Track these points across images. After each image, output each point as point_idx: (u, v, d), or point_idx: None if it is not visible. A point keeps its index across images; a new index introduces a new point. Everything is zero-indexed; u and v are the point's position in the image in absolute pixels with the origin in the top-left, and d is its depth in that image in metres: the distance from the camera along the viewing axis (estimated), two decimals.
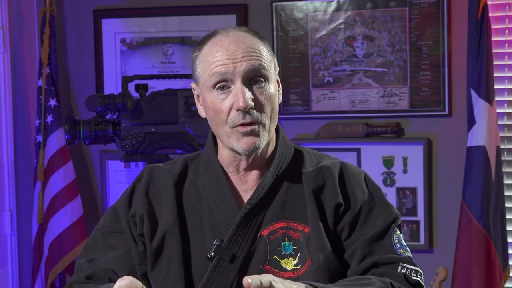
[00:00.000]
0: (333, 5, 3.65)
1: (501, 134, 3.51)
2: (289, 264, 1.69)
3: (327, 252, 1.68)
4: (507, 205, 3.47)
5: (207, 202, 1.75)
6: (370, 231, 1.71)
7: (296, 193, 1.74)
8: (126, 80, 3.21)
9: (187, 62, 3.84)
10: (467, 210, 3.34)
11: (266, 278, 1.47)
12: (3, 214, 3.87)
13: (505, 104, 3.54)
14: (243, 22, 3.74)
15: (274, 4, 3.72)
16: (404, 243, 1.74)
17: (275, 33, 3.72)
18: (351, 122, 3.66)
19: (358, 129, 3.63)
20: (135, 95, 3.24)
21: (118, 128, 3.17)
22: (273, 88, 1.72)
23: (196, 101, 1.79)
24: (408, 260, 1.70)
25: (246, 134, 1.67)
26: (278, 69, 1.77)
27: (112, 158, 3.92)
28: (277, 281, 1.49)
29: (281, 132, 1.80)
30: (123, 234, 1.79)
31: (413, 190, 3.60)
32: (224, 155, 1.76)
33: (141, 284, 1.52)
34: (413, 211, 3.59)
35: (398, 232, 1.74)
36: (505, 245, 3.38)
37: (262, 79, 1.69)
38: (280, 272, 1.68)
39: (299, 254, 1.69)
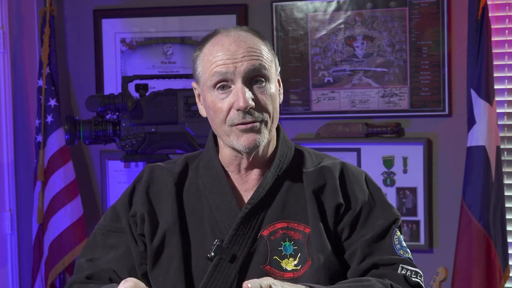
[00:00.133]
0: (333, 5, 3.65)
1: (501, 134, 3.51)
2: (289, 264, 1.69)
3: (327, 253, 1.68)
4: (507, 205, 3.47)
5: (208, 202, 1.75)
6: (371, 232, 1.71)
7: (296, 193, 1.74)
8: (126, 80, 3.21)
9: (187, 62, 3.84)
10: (467, 210, 3.34)
11: (266, 282, 1.47)
12: (3, 214, 3.87)
13: (505, 104, 3.54)
14: (243, 22, 3.74)
15: (274, 4, 3.72)
16: (404, 244, 1.73)
17: (275, 33, 3.72)
18: (351, 122, 3.66)
19: (358, 129, 3.63)
20: (135, 95, 3.24)
21: (118, 128, 3.17)
22: (274, 87, 1.72)
23: (197, 100, 1.79)
24: (408, 261, 1.70)
25: (246, 131, 1.67)
26: (279, 69, 1.77)
27: (112, 158, 3.92)
28: (277, 284, 1.49)
29: (282, 132, 1.80)
30: (123, 233, 1.78)
31: (413, 190, 3.60)
32: (225, 155, 1.76)
33: (144, 285, 1.52)
34: (413, 211, 3.59)
35: (399, 233, 1.73)
36: (505, 245, 3.38)
37: (263, 79, 1.69)
38: (280, 272, 1.68)
39: (299, 254, 1.69)
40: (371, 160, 3.62)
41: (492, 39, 3.38)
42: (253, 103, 1.66)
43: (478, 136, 3.32)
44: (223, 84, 1.68)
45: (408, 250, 1.73)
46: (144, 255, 1.76)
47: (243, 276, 1.68)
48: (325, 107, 3.69)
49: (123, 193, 1.84)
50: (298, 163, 1.78)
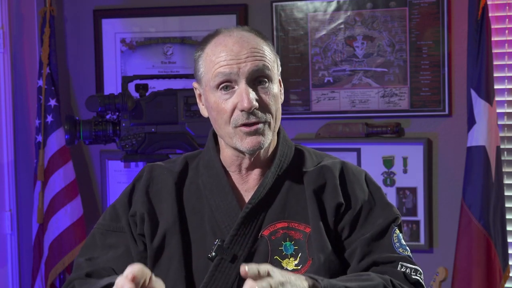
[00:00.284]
0: (333, 5, 3.65)
1: (501, 134, 3.51)
2: (290, 264, 1.69)
3: (327, 252, 1.68)
4: (507, 205, 3.47)
5: (208, 202, 1.75)
6: (370, 231, 1.71)
7: (297, 193, 1.74)
8: (126, 80, 3.21)
9: (187, 62, 3.84)
10: (467, 210, 3.34)
11: (264, 267, 1.47)
12: (3, 214, 3.87)
13: (505, 104, 3.54)
14: (243, 22, 3.74)
15: (274, 4, 3.72)
16: (403, 242, 1.74)
17: (275, 33, 3.72)
18: (351, 122, 3.66)
19: (358, 129, 3.63)
20: (135, 95, 3.24)
21: (118, 128, 3.17)
22: (276, 88, 1.72)
23: (197, 100, 1.79)
24: (408, 259, 1.70)
25: (250, 134, 1.67)
26: (280, 69, 1.77)
27: (112, 158, 3.92)
28: (275, 271, 1.49)
29: (282, 132, 1.80)
30: (122, 233, 1.78)
31: (413, 190, 3.60)
32: (226, 154, 1.76)
33: (150, 272, 1.51)
34: (413, 211, 3.59)
35: (398, 231, 1.74)
36: (505, 245, 3.38)
37: (266, 80, 1.69)
38: None
39: (300, 254, 1.69)
40: (371, 160, 3.62)
41: (492, 39, 3.38)
42: (257, 104, 1.66)
43: (478, 136, 3.32)
44: (227, 84, 1.67)
45: (407, 248, 1.74)
46: (144, 255, 1.76)
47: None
48: (325, 107, 3.69)
49: (122, 192, 1.83)
50: (299, 163, 1.78)
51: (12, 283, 3.93)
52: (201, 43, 1.74)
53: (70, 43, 4.02)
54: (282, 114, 1.76)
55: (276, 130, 1.74)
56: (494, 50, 3.44)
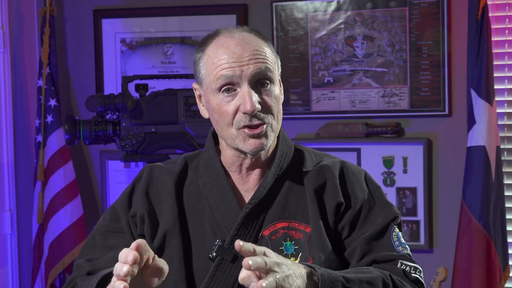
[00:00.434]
0: (333, 5, 3.65)
1: (501, 134, 3.51)
2: None
3: (327, 252, 1.68)
4: (507, 205, 3.47)
5: (208, 202, 1.75)
6: (370, 230, 1.72)
7: (297, 192, 1.74)
8: (126, 80, 3.21)
9: (187, 62, 3.84)
10: (467, 210, 3.34)
11: (261, 247, 1.47)
12: (3, 214, 3.87)
13: (505, 104, 3.54)
14: (243, 22, 3.74)
15: (274, 4, 3.72)
16: (403, 241, 1.74)
17: (275, 33, 3.72)
18: (351, 122, 3.66)
19: (358, 129, 3.63)
20: (135, 95, 3.24)
21: (118, 128, 3.17)
22: (278, 89, 1.72)
23: (197, 101, 1.79)
24: (407, 257, 1.71)
25: (254, 136, 1.67)
26: (280, 70, 1.77)
27: (112, 158, 3.92)
28: (271, 252, 1.49)
29: (282, 132, 1.80)
30: (123, 234, 1.78)
31: (413, 190, 3.60)
32: (227, 155, 1.76)
33: (153, 252, 1.51)
34: (413, 211, 3.59)
35: (397, 230, 1.74)
36: (505, 245, 3.38)
37: (268, 82, 1.69)
38: None
39: (300, 254, 1.70)
40: (371, 160, 3.62)
41: (492, 39, 3.38)
42: (259, 107, 1.66)
43: (478, 136, 3.32)
44: (229, 87, 1.67)
45: (407, 246, 1.74)
46: None
47: None
48: (325, 107, 3.69)
49: (122, 193, 1.83)
50: (298, 163, 1.78)
51: (12, 283, 3.93)
52: (201, 44, 1.73)
53: (70, 43, 4.02)
54: (282, 114, 1.76)
55: (278, 131, 1.74)
56: (494, 50, 3.44)
